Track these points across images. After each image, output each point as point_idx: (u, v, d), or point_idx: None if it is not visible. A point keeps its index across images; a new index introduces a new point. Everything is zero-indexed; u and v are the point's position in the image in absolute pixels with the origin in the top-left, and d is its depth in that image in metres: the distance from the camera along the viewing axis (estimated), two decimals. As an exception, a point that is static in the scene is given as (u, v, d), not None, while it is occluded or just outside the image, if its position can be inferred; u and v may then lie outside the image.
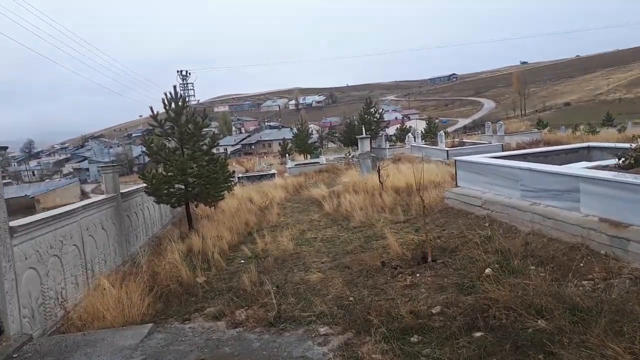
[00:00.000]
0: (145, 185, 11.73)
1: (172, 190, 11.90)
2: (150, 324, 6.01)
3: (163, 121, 11.94)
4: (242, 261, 9.02)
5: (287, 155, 39.94)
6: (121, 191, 11.38)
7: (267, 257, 8.85)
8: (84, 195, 57.60)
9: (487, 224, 7.64)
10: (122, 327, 5.98)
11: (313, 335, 5.09)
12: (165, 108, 11.98)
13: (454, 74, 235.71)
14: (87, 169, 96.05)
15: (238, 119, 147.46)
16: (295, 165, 30.39)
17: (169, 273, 8.13)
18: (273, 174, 28.19)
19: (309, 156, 38.98)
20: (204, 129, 12.10)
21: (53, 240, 7.18)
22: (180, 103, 11.93)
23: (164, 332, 5.80)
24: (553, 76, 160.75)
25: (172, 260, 8.84)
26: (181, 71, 53.54)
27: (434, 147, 25.64)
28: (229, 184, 12.46)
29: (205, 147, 11.92)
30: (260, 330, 5.47)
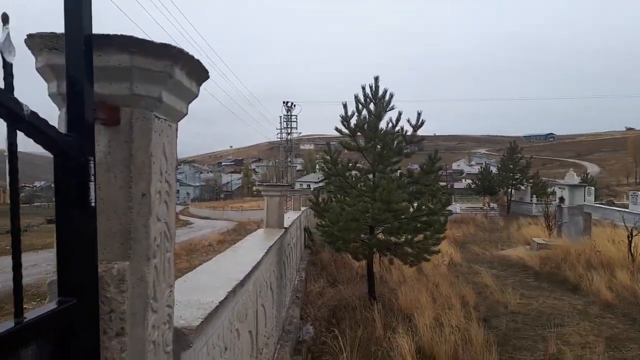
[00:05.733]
0: (319, 222, 7.64)
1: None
2: None
3: (353, 127, 7.88)
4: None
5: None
6: (285, 225, 7.38)
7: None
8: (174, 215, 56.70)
9: None
10: None
11: None
12: (357, 109, 7.96)
13: (551, 134, 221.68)
14: (178, 191, 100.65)
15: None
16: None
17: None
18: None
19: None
20: (412, 144, 7.85)
21: (228, 328, 3.06)
22: (382, 103, 7.85)
23: None
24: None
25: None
26: (287, 102, 50.97)
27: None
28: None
29: (422, 168, 7.61)
30: None
